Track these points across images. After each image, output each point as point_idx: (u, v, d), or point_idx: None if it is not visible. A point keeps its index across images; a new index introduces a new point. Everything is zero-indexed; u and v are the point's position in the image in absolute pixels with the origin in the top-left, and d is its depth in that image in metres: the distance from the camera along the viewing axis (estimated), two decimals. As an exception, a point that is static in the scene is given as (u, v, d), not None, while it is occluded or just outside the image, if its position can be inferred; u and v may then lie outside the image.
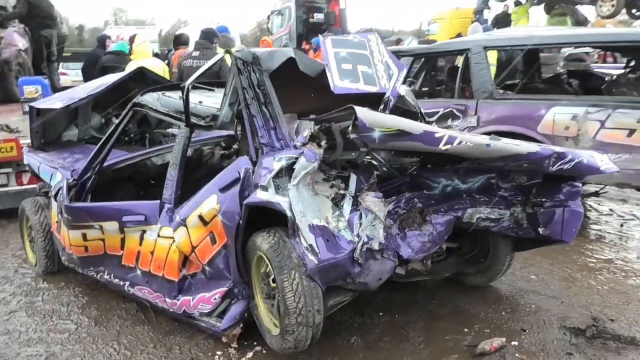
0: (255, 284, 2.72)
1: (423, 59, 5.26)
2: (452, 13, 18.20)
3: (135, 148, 4.14)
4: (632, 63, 5.07)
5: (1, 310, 3.37)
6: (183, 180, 3.68)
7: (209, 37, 6.01)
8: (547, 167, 2.61)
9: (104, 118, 4.49)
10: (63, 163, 3.63)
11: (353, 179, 2.60)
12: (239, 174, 2.62)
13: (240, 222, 2.56)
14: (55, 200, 3.43)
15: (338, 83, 2.68)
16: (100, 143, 3.33)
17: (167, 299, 2.93)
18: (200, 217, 2.70)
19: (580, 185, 2.97)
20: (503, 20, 12.60)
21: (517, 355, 2.75)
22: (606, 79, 5.03)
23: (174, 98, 3.13)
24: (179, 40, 7.75)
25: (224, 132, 4.12)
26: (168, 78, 6.69)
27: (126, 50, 7.22)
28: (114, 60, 6.80)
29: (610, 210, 5.34)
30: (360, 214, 2.53)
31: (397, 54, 4.74)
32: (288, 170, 2.44)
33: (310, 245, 2.33)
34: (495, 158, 2.56)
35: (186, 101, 2.81)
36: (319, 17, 16.68)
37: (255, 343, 2.84)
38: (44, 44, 7.65)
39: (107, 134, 3.32)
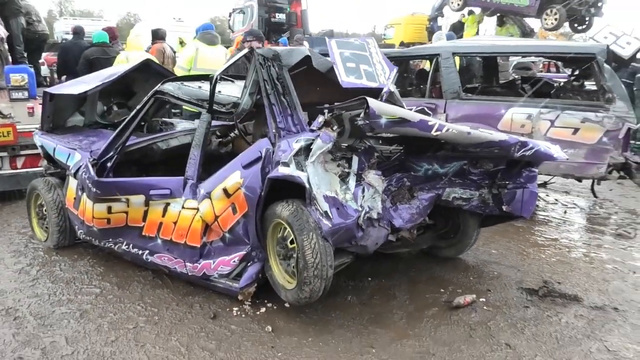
0: (270, 248, 3.17)
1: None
2: (408, 19, 19.08)
3: (136, 134, 4.48)
4: (576, 72, 5.84)
5: (24, 278, 3.66)
6: (179, 164, 4.06)
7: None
8: (513, 152, 3.20)
9: (106, 106, 4.79)
10: (80, 145, 3.94)
11: (355, 160, 3.10)
12: (261, 153, 3.07)
13: (262, 193, 3.01)
14: (75, 177, 3.75)
15: (345, 79, 3.18)
16: (121, 126, 3.67)
17: (188, 264, 3.33)
18: (225, 190, 3.13)
19: (536, 170, 3.60)
20: (459, 29, 13.50)
21: (485, 308, 3.34)
22: (555, 85, 5.77)
23: (193, 87, 3.53)
24: (157, 35, 8.02)
25: (219, 122, 4.56)
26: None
27: (107, 40, 7.42)
28: (99, 52, 7.01)
29: (556, 200, 6.11)
30: (363, 188, 3.03)
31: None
32: (306, 150, 2.91)
33: (325, 212, 2.81)
34: (473, 144, 3.13)
35: (212, 90, 3.22)
36: (280, 17, 17.05)
37: (265, 301, 3.29)
38: (20, 32, 7.72)
39: (128, 118, 3.67)
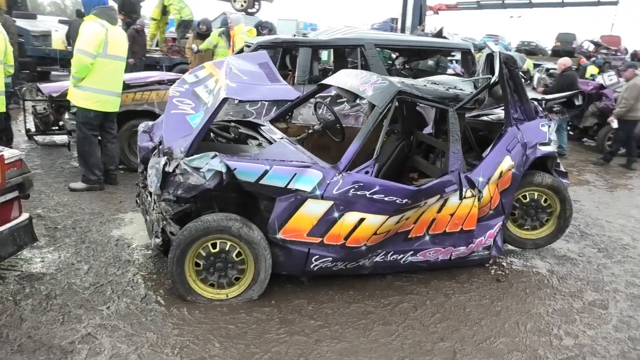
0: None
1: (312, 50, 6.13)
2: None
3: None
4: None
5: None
6: None
7: None
8: None
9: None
10: (294, 161, 3.25)
11: None
12: (518, 139, 3.82)
13: (523, 170, 3.83)
14: (322, 198, 3.20)
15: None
16: (365, 132, 3.38)
17: (461, 247, 3.70)
18: (501, 174, 3.72)
19: None
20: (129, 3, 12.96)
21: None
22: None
23: (428, 86, 3.70)
24: None
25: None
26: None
27: None
28: None
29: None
30: None
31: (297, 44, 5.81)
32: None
33: (565, 172, 4.02)
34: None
35: (481, 91, 3.61)
36: None
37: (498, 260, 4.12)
38: None
39: (372, 123, 3.40)
